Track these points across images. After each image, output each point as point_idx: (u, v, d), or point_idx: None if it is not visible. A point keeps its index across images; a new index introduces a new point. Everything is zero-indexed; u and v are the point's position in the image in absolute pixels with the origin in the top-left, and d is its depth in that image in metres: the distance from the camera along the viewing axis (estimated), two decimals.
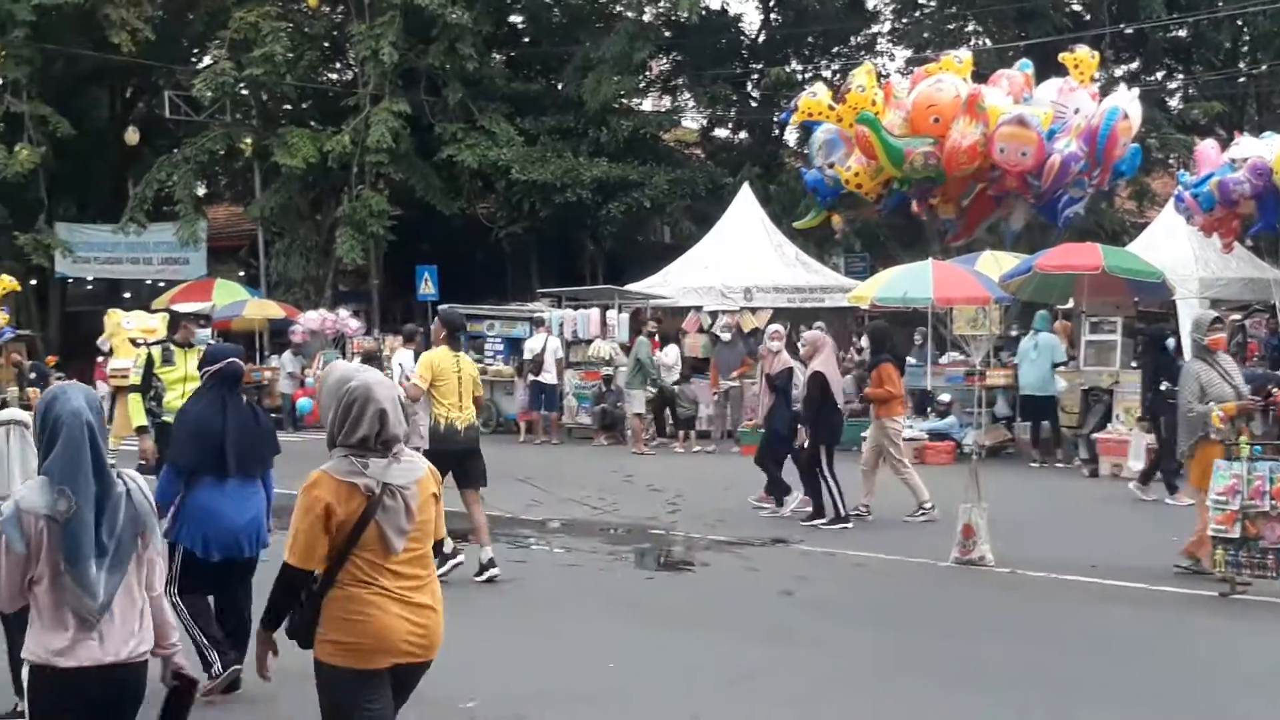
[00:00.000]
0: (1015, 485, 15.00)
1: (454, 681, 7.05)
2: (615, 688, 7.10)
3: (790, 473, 13.29)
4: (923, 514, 12.86)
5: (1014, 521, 11.59)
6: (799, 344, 13.82)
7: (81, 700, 4.00)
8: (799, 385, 13.01)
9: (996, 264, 18.62)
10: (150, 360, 10.70)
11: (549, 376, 21.86)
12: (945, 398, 19.19)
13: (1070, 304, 18.95)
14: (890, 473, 13.20)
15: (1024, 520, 12.31)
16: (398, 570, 4.30)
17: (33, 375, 20.15)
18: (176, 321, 11.33)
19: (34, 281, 32.21)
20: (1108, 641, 8.16)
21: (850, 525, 12.47)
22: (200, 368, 7.45)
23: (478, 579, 9.64)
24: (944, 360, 19.98)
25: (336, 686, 4.29)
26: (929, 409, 19.44)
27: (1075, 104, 13.00)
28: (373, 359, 17.44)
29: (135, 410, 10.77)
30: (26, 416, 6.23)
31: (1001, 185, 12.47)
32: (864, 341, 13.26)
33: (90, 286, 35.95)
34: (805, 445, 12.67)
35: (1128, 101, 14.44)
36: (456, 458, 9.65)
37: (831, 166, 14.38)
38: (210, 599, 6.97)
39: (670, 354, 21.47)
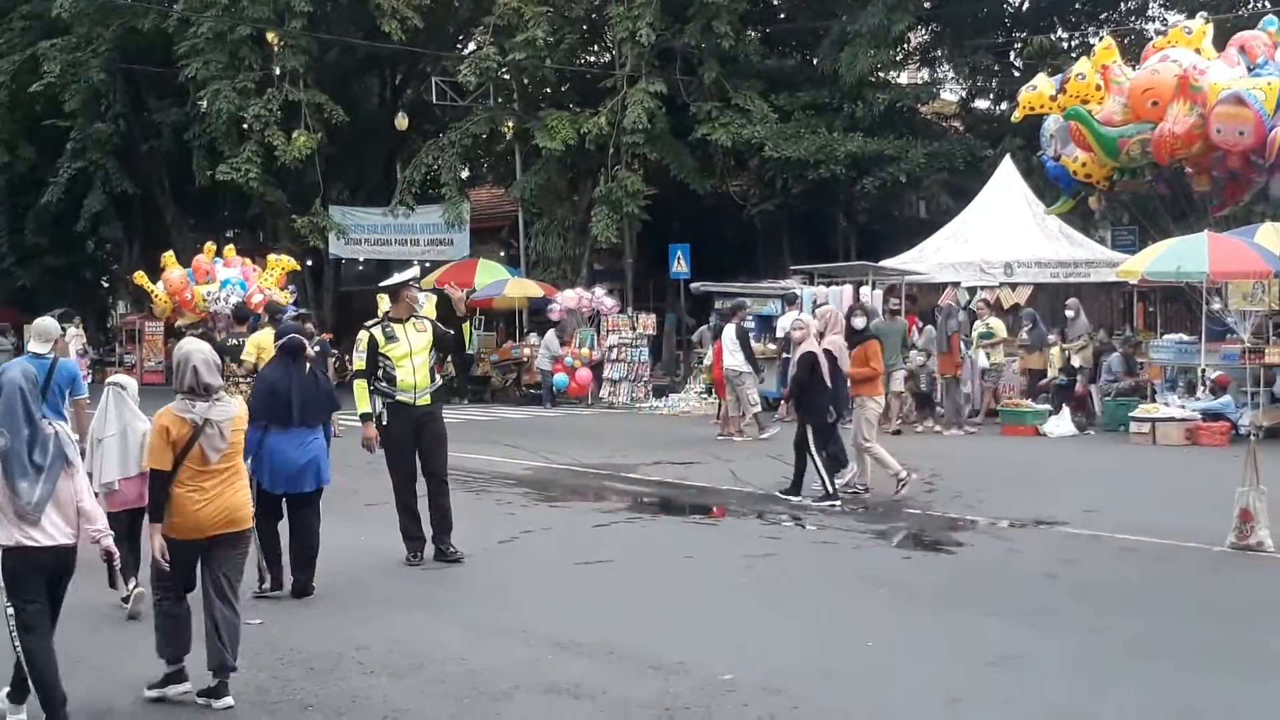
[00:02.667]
0: None
1: (712, 655, 7.17)
2: (874, 666, 7.06)
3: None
4: (851, 490, 13.06)
5: None
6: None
7: (34, 570, 5.96)
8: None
9: (1277, 236, 17.64)
10: (373, 341, 9.95)
11: None
12: (1215, 375, 18.31)
13: None
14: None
15: None
16: (210, 473, 6.49)
17: (316, 349, 21.22)
18: (396, 294, 10.58)
19: (309, 262, 33.90)
20: None
21: (838, 504, 12.40)
22: (275, 342, 9.36)
23: None
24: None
25: (170, 549, 6.48)
26: (1201, 388, 18.60)
27: None
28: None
29: (360, 396, 9.85)
30: (127, 380, 8.50)
31: (1225, 166, 11.78)
32: (857, 321, 13.35)
33: (361, 267, 37.66)
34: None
35: None
36: None
37: (1058, 159, 13.86)
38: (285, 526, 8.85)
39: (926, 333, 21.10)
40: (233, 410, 6.62)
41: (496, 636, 7.70)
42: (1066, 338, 21.18)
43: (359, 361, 9.96)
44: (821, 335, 12.83)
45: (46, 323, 10.39)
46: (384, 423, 9.90)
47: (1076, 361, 20.76)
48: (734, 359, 18.90)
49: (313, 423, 8.80)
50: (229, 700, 6.41)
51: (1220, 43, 15.76)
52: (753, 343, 23.32)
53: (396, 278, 33.75)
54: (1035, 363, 20.94)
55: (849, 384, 13.02)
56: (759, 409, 19.28)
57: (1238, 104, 10.48)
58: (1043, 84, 11.49)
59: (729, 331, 19.23)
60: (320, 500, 8.95)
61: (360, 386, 9.91)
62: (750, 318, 23.92)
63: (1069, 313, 21.45)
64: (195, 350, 6.61)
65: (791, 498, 12.91)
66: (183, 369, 6.57)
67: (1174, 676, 6.79)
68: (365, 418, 9.87)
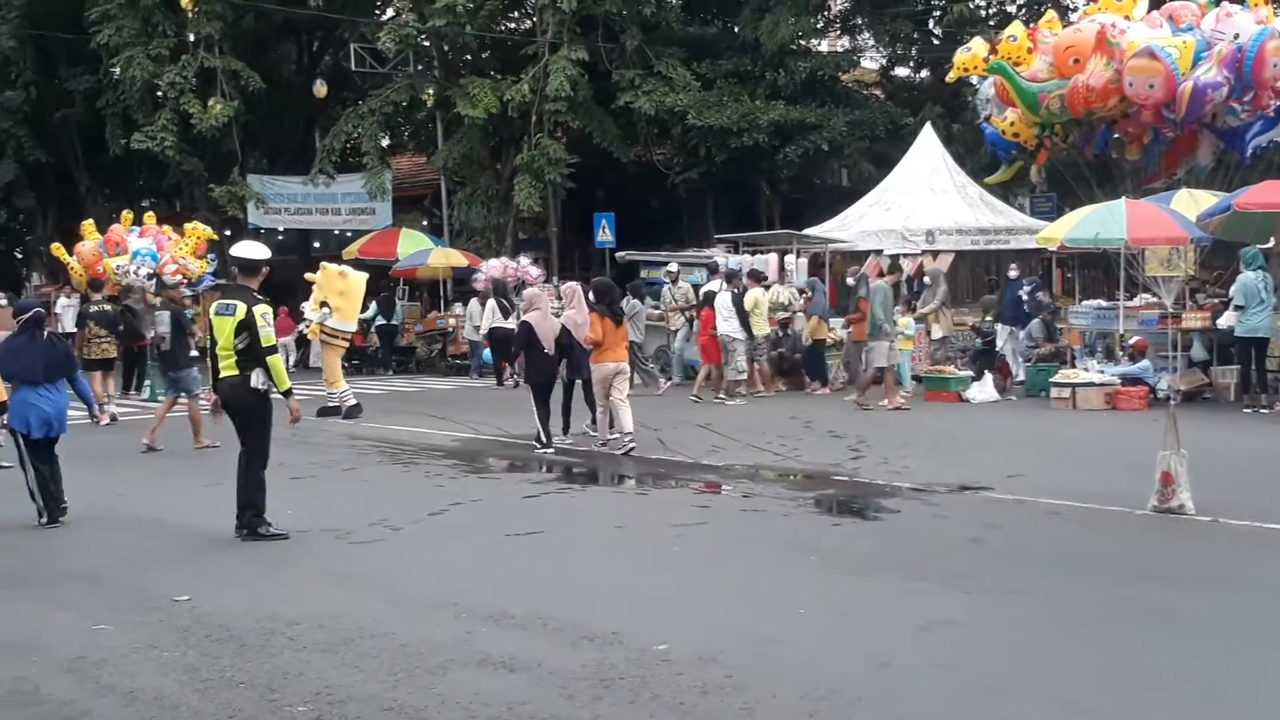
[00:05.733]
0: (1214, 431, 14.50)
1: (646, 625, 7.17)
2: (807, 632, 7.10)
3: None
4: (599, 443, 14.75)
5: (1215, 469, 11.20)
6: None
7: None
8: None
9: (1194, 202, 17.94)
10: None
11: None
12: (1134, 340, 18.65)
13: (1271, 243, 18.18)
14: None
15: (1225, 467, 11.89)
16: None
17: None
18: (255, 269, 10.39)
19: (228, 232, 33.38)
20: None
21: (551, 450, 14.51)
22: (15, 317, 10.98)
23: None
24: (1136, 303, 19.38)
25: None
26: (1120, 353, 18.91)
27: (1234, 29, 12.43)
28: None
29: (283, 371, 9.97)
30: None
31: (1139, 121, 12.08)
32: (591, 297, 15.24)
33: (281, 236, 37.11)
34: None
35: None
36: None
37: (989, 119, 14.06)
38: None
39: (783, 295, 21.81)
40: None
41: (429, 610, 7.65)
42: (915, 308, 21.40)
43: (272, 336, 9.82)
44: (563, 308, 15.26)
45: None
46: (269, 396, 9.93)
47: (936, 332, 20.91)
48: (729, 325, 19.48)
49: (55, 380, 10.50)
50: None
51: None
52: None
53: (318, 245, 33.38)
54: (817, 332, 21.23)
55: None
56: (743, 377, 19.85)
57: (1150, 58, 10.69)
58: (977, 46, 11.66)
59: (724, 298, 19.68)
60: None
61: (280, 361, 9.93)
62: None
63: (926, 280, 21.72)
64: None
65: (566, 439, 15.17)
66: None
67: (1102, 640, 6.88)
68: (289, 394, 9.93)
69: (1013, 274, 21.63)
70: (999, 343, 21.31)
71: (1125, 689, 6.07)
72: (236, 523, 9.82)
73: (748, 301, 20.52)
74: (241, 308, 9.74)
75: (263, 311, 9.78)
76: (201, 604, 7.83)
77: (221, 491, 10.57)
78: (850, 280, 20.45)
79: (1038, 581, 8.15)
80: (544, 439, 14.53)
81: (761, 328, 20.54)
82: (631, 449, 14.15)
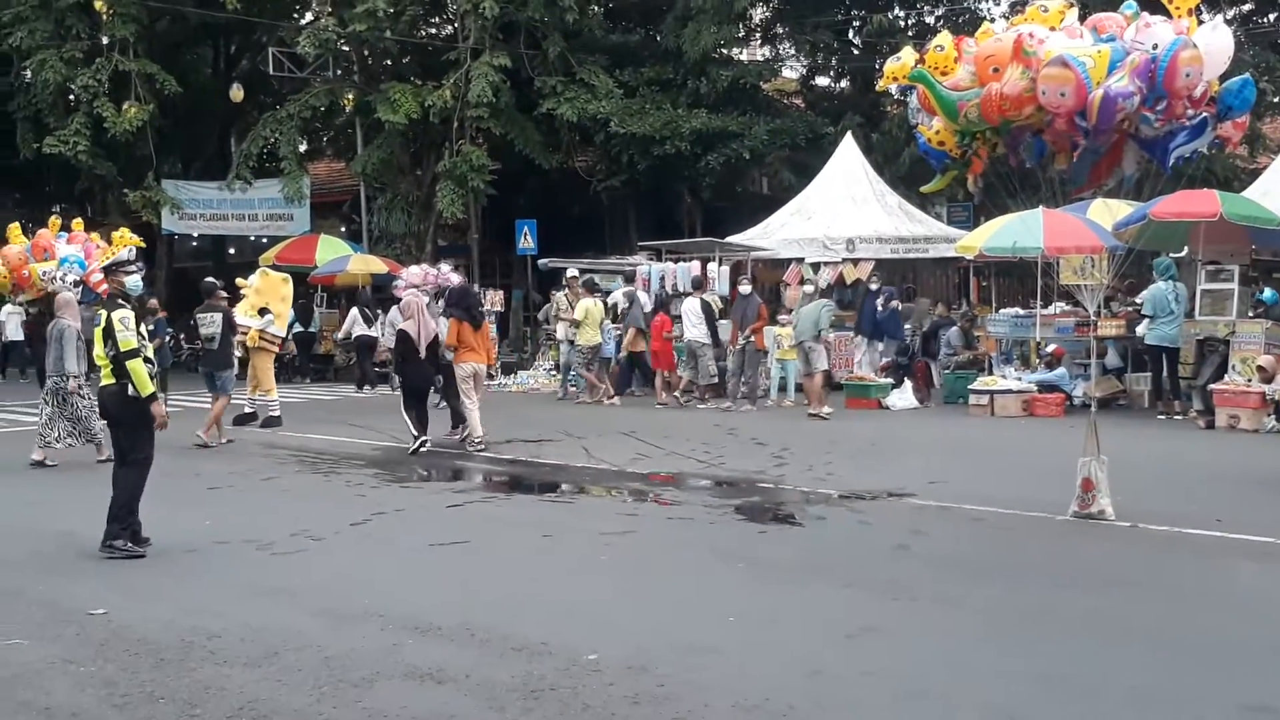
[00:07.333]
0: (1130, 438, 14.71)
1: (575, 634, 7.11)
2: (736, 640, 7.08)
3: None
4: (473, 446, 15.25)
5: (1132, 475, 11.36)
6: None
7: None
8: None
9: (1109, 211, 18.18)
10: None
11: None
12: (1050, 348, 18.91)
13: (1184, 252, 18.52)
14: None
15: (1142, 473, 12.08)
16: None
17: (152, 327, 20.61)
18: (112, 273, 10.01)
19: (141, 238, 32.79)
20: (1234, 597, 8.00)
21: (424, 450, 15.03)
22: None
23: None
24: (1051, 311, 19.65)
25: None
26: (1037, 360, 19.16)
27: (1154, 39, 12.64)
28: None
29: (146, 376, 9.54)
30: None
31: (1056, 130, 12.25)
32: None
33: (195, 242, 36.58)
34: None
35: (1206, 33, 13.78)
36: None
37: (916, 126, 14.14)
38: None
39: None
40: None
41: (353, 622, 7.52)
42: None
43: (134, 340, 9.51)
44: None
45: None
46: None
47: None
48: (697, 331, 20.08)
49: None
50: None
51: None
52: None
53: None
54: (636, 344, 21.52)
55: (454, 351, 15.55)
56: (716, 379, 20.53)
57: (1062, 66, 10.83)
58: (906, 55, 11.80)
59: (692, 304, 20.27)
60: None
61: (141, 365, 9.53)
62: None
63: (806, 289, 21.77)
64: None
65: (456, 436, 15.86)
66: None
67: (1031, 645, 6.93)
68: (153, 398, 9.60)
69: (873, 287, 21.75)
70: (857, 356, 21.60)
71: (1053, 695, 6.10)
72: (105, 532, 9.52)
73: (578, 311, 20.86)
74: (104, 314, 9.61)
75: (120, 315, 9.53)
76: (119, 617, 7.65)
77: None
78: (743, 289, 20.45)
79: (964, 588, 8.20)
80: (416, 434, 15.17)
81: (590, 338, 21.13)
82: (481, 449, 15.13)
